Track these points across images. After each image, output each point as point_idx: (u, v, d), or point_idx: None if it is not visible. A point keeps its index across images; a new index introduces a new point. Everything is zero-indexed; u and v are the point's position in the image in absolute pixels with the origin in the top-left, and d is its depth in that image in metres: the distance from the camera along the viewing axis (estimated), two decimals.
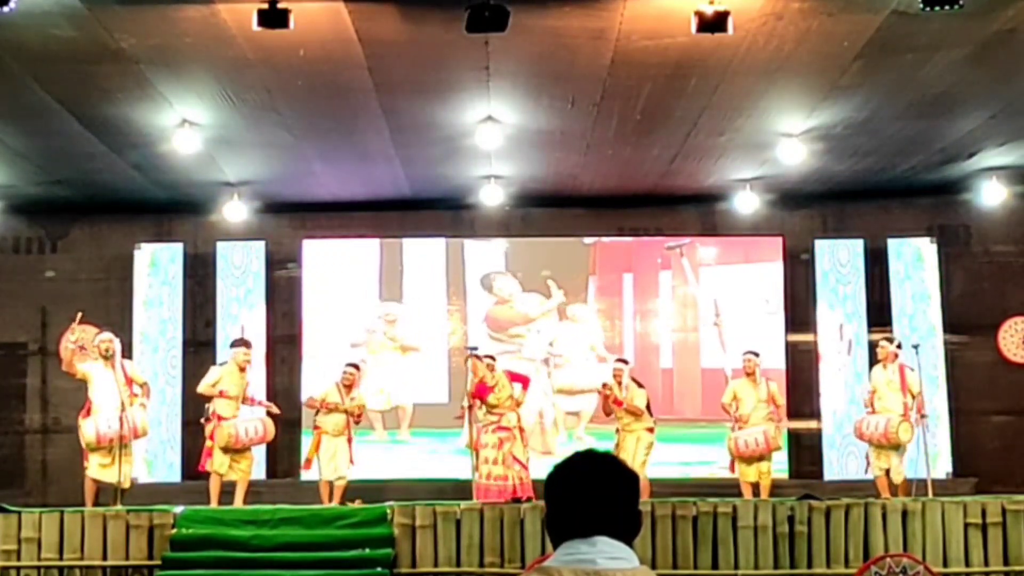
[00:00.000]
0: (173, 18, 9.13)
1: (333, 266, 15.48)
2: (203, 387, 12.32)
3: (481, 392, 12.50)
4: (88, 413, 11.82)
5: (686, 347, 15.31)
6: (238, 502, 12.05)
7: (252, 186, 14.31)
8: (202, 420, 12.36)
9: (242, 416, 12.32)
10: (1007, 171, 14.00)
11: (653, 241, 15.61)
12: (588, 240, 15.60)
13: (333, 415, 12.45)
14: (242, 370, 12.36)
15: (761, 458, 12.65)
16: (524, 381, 12.72)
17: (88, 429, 11.72)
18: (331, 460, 12.37)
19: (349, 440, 12.47)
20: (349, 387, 12.60)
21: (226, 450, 12.05)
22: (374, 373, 14.99)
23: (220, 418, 12.08)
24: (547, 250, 15.61)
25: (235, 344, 12.73)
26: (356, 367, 12.88)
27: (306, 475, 14.40)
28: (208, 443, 12.13)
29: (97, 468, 11.75)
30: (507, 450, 12.20)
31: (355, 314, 15.38)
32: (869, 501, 11.07)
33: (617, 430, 12.83)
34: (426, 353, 15.33)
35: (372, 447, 14.68)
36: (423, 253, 15.54)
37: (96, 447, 11.71)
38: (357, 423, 12.66)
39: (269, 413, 12.62)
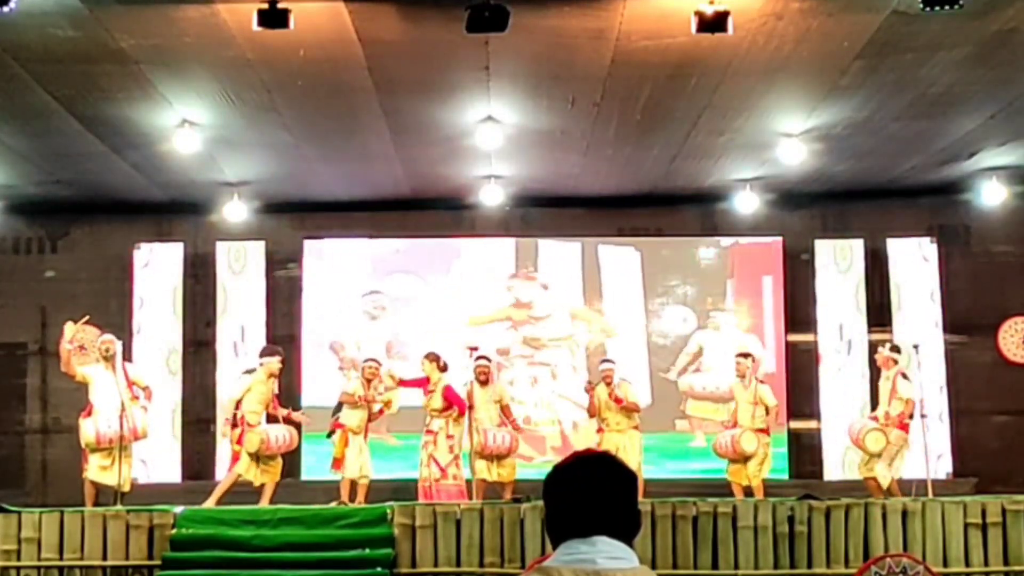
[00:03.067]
0: (173, 18, 9.13)
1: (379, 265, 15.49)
2: (226, 403, 12.38)
3: (422, 383, 12.68)
4: (89, 414, 11.82)
5: None
6: (264, 502, 12.03)
7: (252, 186, 14.31)
8: (226, 425, 12.35)
9: (273, 424, 12.31)
10: (1007, 171, 14.00)
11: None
12: (725, 242, 15.52)
13: (356, 412, 12.46)
14: (271, 377, 12.36)
15: (743, 460, 12.65)
16: (461, 407, 12.62)
17: (88, 429, 11.72)
18: (357, 458, 12.36)
19: (365, 438, 12.52)
20: (370, 381, 12.61)
21: (254, 456, 12.03)
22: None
23: (249, 424, 12.07)
24: (683, 252, 15.53)
25: (265, 353, 12.64)
26: (377, 361, 12.90)
27: (307, 475, 14.44)
28: (236, 447, 12.10)
29: (97, 470, 11.74)
30: (429, 452, 12.41)
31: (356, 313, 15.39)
32: (869, 501, 11.07)
33: (599, 430, 12.85)
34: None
35: None
36: (558, 256, 15.47)
37: (96, 448, 11.70)
38: (374, 419, 12.68)
39: (288, 420, 12.54)
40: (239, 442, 12.05)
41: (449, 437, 12.41)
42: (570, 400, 15.03)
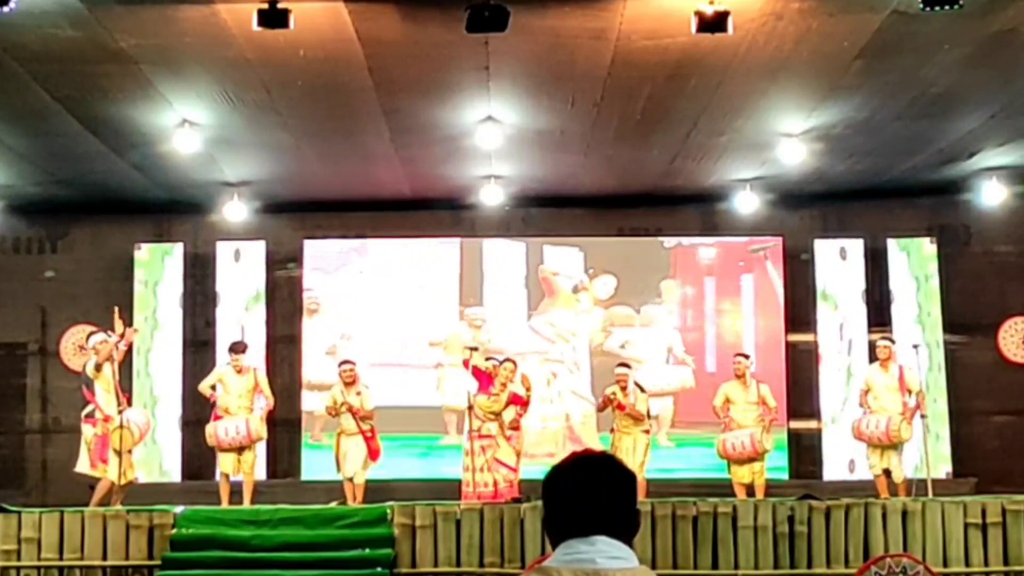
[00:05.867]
0: (173, 18, 9.13)
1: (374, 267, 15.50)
2: (202, 388, 12.51)
3: (488, 380, 12.53)
4: (107, 419, 11.75)
5: (769, 350, 14.91)
6: (245, 502, 12.08)
7: (252, 186, 14.31)
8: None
9: (228, 418, 12.35)
10: (1007, 171, 14.00)
11: (735, 243, 15.52)
12: (668, 243, 15.52)
13: (344, 416, 12.50)
14: (239, 372, 12.40)
15: (751, 459, 12.65)
16: (525, 405, 12.75)
17: (135, 431, 11.72)
18: (344, 459, 12.45)
19: (366, 439, 12.49)
20: (348, 384, 12.61)
21: (224, 449, 12.10)
22: (453, 375, 15.04)
23: (216, 418, 12.21)
24: (626, 252, 15.53)
25: (233, 348, 12.75)
26: (351, 363, 12.89)
27: (307, 475, 14.46)
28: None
29: (116, 470, 11.75)
30: (490, 456, 12.31)
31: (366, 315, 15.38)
32: (869, 501, 11.07)
33: (612, 429, 12.88)
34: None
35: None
36: (501, 255, 15.47)
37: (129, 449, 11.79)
38: (366, 419, 12.59)
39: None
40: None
41: (508, 439, 12.35)
42: (579, 395, 15.10)
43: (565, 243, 15.49)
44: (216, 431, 12.22)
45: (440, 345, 15.28)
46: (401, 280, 15.40)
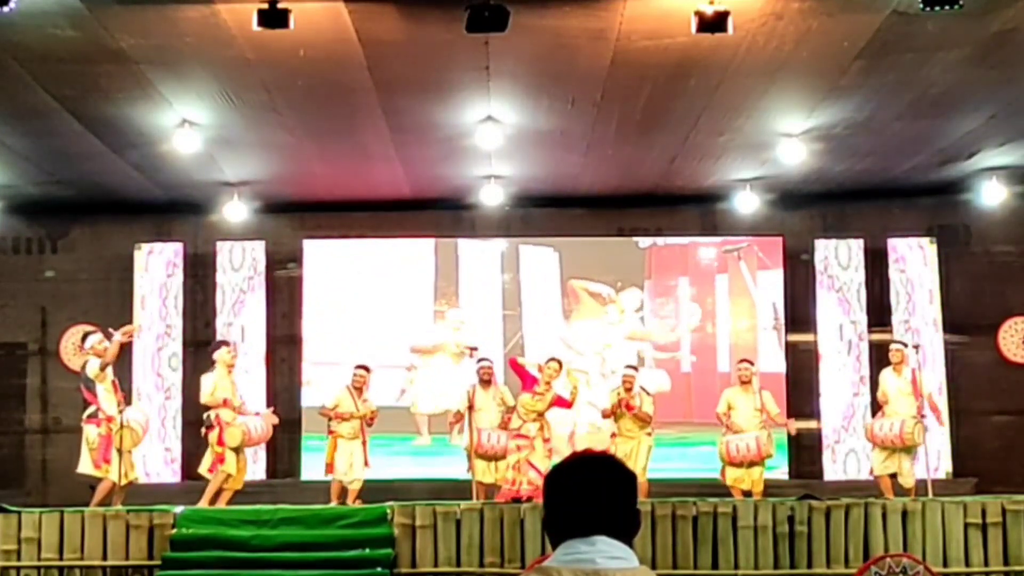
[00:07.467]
0: (173, 18, 9.14)
1: (364, 267, 15.48)
2: (206, 398, 12.23)
3: (531, 380, 12.52)
4: (110, 419, 11.74)
5: (743, 351, 14.77)
6: (222, 503, 12.02)
7: (252, 186, 14.31)
8: (203, 430, 12.30)
9: (245, 416, 12.31)
10: (1007, 171, 14.00)
11: (710, 243, 15.51)
12: (643, 243, 15.51)
13: (348, 420, 12.47)
14: (230, 370, 12.37)
15: (752, 464, 12.64)
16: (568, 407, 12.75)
17: (139, 431, 11.75)
18: (347, 462, 12.41)
19: (363, 443, 12.49)
20: (360, 389, 12.59)
21: (236, 450, 12.06)
22: (423, 377, 15.04)
23: (225, 422, 12.05)
24: (601, 253, 15.51)
25: (217, 346, 12.70)
26: (366, 368, 12.85)
27: (307, 475, 14.45)
28: (218, 449, 12.07)
29: (117, 470, 11.73)
30: (524, 456, 12.28)
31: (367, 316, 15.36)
32: (869, 501, 11.07)
33: (612, 435, 12.89)
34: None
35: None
36: (477, 255, 15.46)
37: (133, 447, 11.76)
38: (370, 426, 12.62)
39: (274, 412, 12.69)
40: (220, 442, 12.04)
41: (546, 441, 12.36)
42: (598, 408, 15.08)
43: (540, 243, 15.45)
44: (248, 431, 12.10)
45: (424, 349, 15.28)
46: (400, 280, 15.37)
